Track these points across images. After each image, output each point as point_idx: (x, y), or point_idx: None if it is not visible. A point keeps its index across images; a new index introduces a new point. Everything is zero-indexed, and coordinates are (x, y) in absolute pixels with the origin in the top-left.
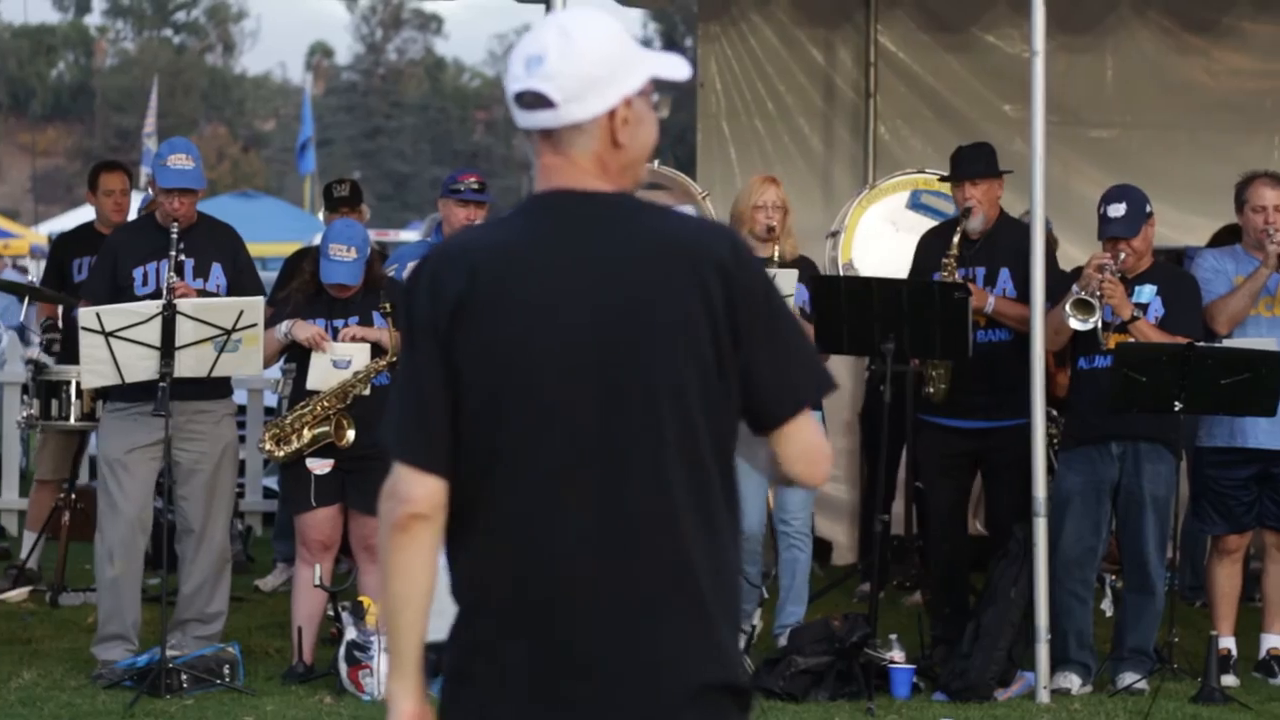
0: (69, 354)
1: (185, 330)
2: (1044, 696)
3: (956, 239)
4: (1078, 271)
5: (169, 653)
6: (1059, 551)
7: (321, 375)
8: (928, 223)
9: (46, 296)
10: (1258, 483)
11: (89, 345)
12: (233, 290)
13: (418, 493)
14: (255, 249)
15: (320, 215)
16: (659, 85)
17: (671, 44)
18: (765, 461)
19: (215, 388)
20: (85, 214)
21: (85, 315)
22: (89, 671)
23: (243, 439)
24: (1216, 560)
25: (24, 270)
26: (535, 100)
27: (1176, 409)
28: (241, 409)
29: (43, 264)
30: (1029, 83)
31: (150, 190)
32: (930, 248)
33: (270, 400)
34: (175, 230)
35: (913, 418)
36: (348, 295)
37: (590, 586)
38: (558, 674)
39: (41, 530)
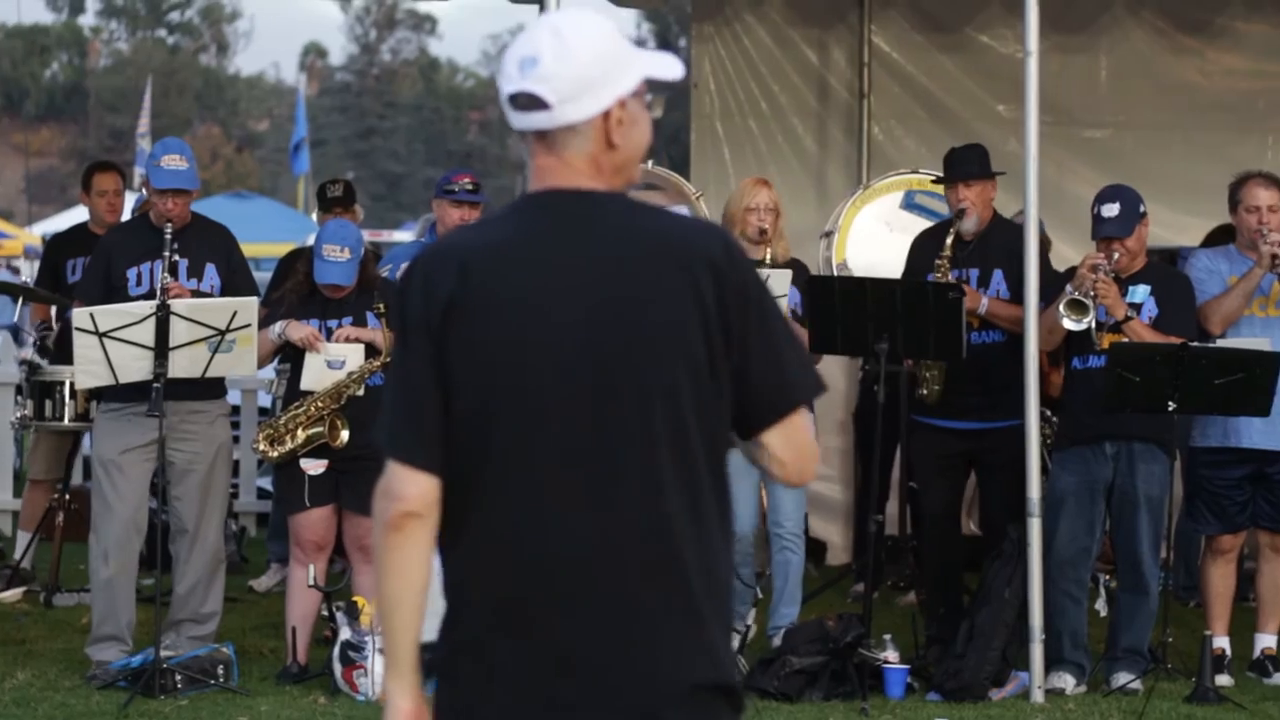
0: (63, 354)
1: (179, 330)
2: (1038, 696)
3: (950, 240)
4: (1071, 271)
5: (163, 653)
6: (1053, 551)
7: (316, 376)
8: (922, 223)
9: (40, 297)
10: (1251, 483)
11: (83, 345)
12: (227, 291)
13: (411, 491)
14: (249, 249)
15: (314, 216)
16: (652, 85)
17: (665, 44)
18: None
19: (209, 388)
20: (79, 214)
21: (79, 316)
22: (83, 672)
23: (237, 439)
24: (1210, 560)
25: (16, 270)
26: (530, 102)
27: (1170, 409)
28: (236, 409)
29: (36, 264)
30: (1023, 83)
31: (144, 190)
32: (924, 249)
33: (264, 401)
34: (169, 231)
35: (907, 418)
36: (342, 296)
37: (580, 586)
38: (546, 674)
39: (35, 531)
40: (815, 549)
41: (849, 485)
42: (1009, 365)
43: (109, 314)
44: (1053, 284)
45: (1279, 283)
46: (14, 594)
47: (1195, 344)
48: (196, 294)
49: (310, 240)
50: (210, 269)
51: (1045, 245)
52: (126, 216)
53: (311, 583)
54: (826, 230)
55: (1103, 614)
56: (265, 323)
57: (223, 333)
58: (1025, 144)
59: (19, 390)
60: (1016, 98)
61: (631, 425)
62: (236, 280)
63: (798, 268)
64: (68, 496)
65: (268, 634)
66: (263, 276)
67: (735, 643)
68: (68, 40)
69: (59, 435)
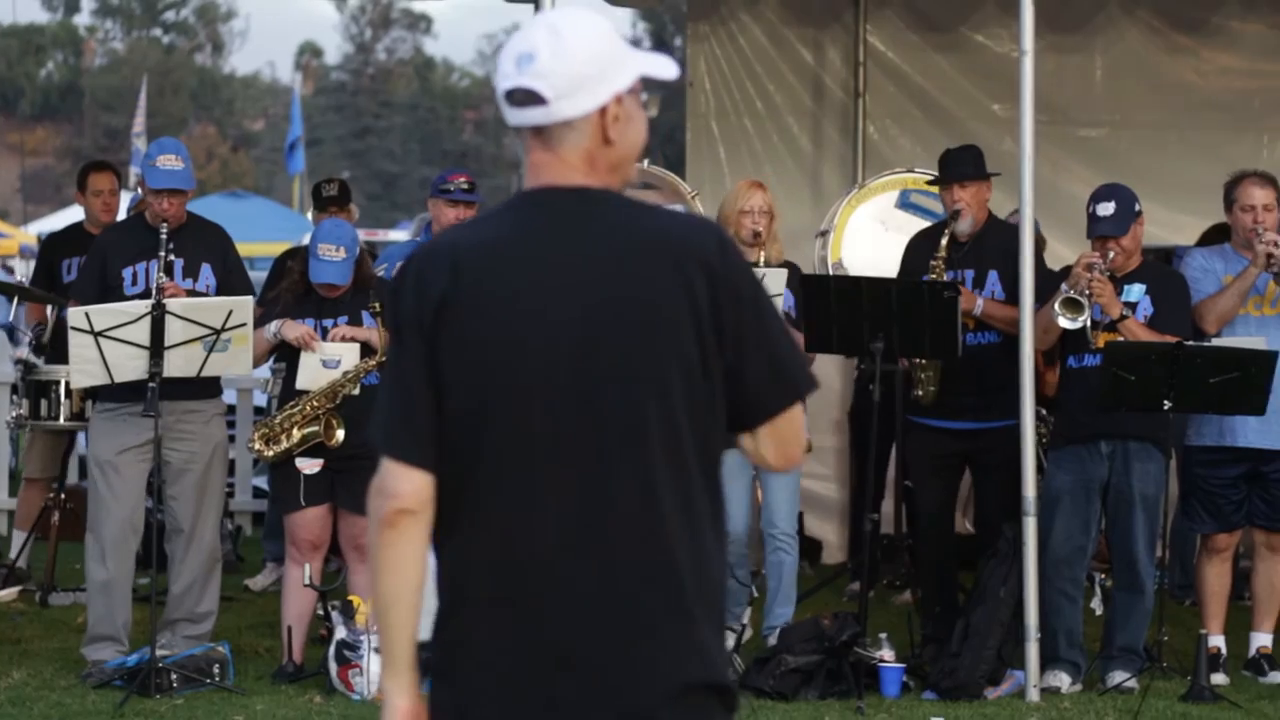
0: (58, 354)
1: (174, 330)
2: (1034, 695)
3: (944, 241)
4: (1066, 270)
5: (159, 652)
6: (1048, 550)
7: (311, 375)
8: (917, 222)
9: (35, 296)
10: (1247, 481)
11: (78, 345)
12: (222, 290)
13: (405, 488)
14: (244, 249)
15: (309, 215)
16: (647, 85)
17: (661, 44)
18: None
19: (205, 387)
20: (74, 214)
21: (74, 315)
22: (79, 671)
23: (232, 439)
24: (1206, 559)
25: (10, 270)
26: (526, 97)
27: (1166, 408)
28: (231, 409)
29: (32, 264)
30: (1018, 82)
31: (139, 190)
32: (918, 250)
33: (260, 400)
34: (164, 231)
35: (902, 418)
36: (337, 295)
37: (571, 586)
38: (538, 673)
39: (31, 530)
40: (811, 548)
41: (844, 484)
42: (1004, 366)
43: (104, 313)
44: (1047, 283)
45: (1274, 282)
46: (9, 593)
47: (1190, 343)
48: (192, 294)
49: (305, 239)
50: (206, 269)
51: (1040, 244)
52: (122, 216)
53: (307, 582)
54: (822, 229)
55: (1098, 613)
56: (260, 322)
57: (218, 332)
58: (1020, 143)
59: (14, 389)
60: (1012, 97)
61: (624, 424)
62: (232, 280)
63: (791, 270)
64: (63, 496)
65: (263, 633)
66: (258, 276)
67: (730, 642)
68: (63, 39)
69: (54, 434)
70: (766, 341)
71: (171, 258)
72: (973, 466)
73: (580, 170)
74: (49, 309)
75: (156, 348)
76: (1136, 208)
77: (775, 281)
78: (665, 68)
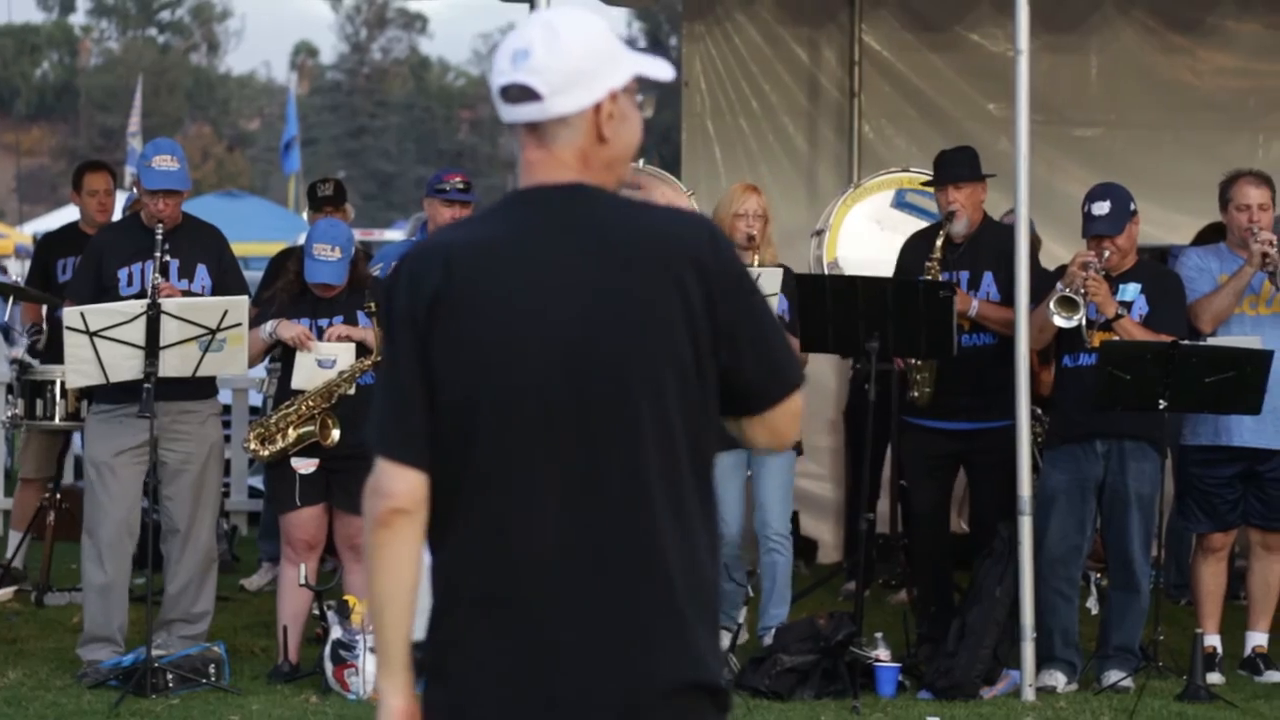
0: (53, 354)
1: (170, 330)
2: (1029, 694)
3: (940, 243)
4: (1062, 270)
5: (154, 652)
6: (1044, 550)
7: (306, 375)
8: (913, 221)
9: (31, 296)
10: (1242, 481)
11: (73, 345)
12: (217, 291)
13: (399, 488)
14: (239, 248)
15: (304, 215)
16: (642, 85)
17: (656, 43)
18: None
19: (200, 388)
20: (70, 214)
21: (70, 315)
22: (74, 671)
23: (228, 438)
24: (1201, 558)
25: (3, 270)
26: (521, 94)
27: (1161, 407)
28: (226, 408)
29: (27, 264)
30: (1013, 82)
31: (135, 190)
32: (914, 251)
33: (255, 400)
34: (160, 231)
35: (897, 418)
36: (332, 295)
37: (563, 585)
38: (530, 672)
39: (26, 530)
40: (806, 548)
41: (840, 484)
42: (999, 367)
43: (99, 313)
44: (1043, 283)
45: (1269, 281)
46: (5, 593)
47: (1186, 342)
48: (187, 294)
49: (301, 239)
50: (201, 270)
51: (1035, 244)
52: (117, 216)
53: (303, 582)
54: (817, 229)
55: (1094, 612)
56: (256, 322)
57: (213, 332)
58: (1016, 143)
59: (9, 389)
60: (1007, 97)
61: (616, 424)
62: (227, 280)
63: (784, 274)
64: (59, 496)
65: (259, 633)
66: (253, 275)
67: (726, 642)
68: (58, 39)
69: (50, 434)
70: (760, 337)
71: (167, 258)
72: (968, 467)
73: (574, 168)
74: (44, 309)
75: (152, 347)
76: (1132, 207)
77: (770, 281)
78: (661, 69)
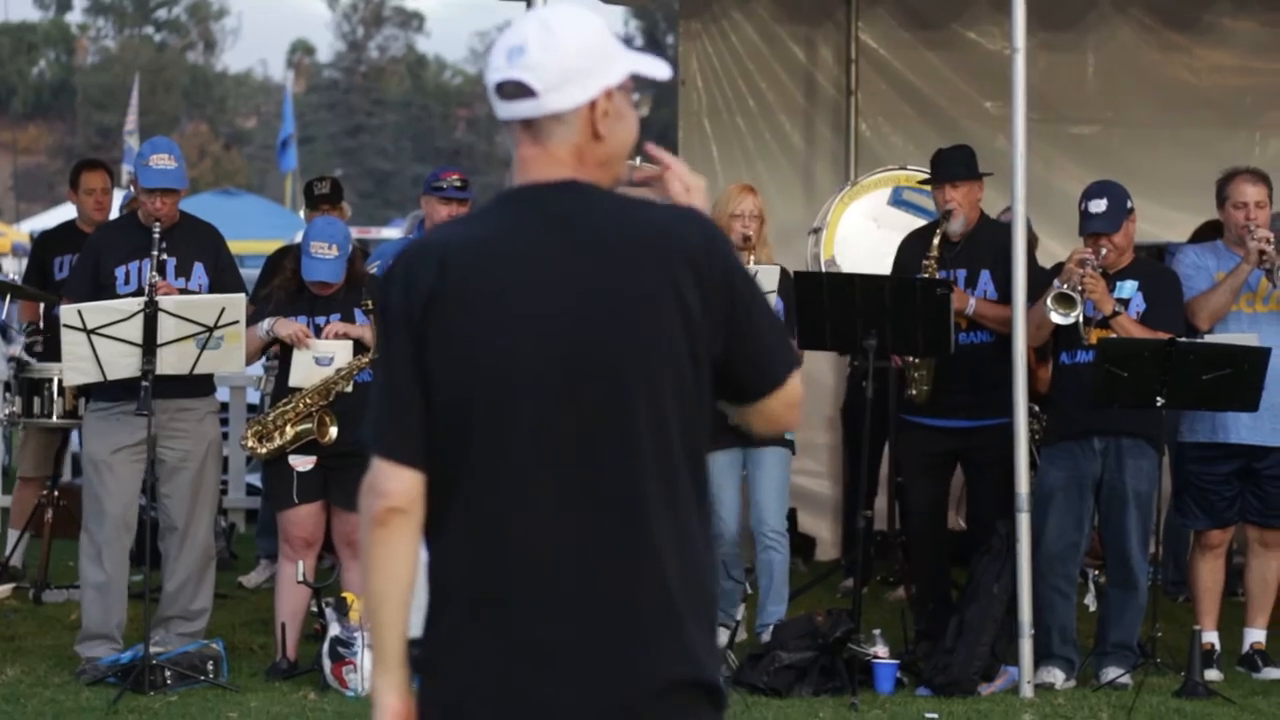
0: (51, 352)
1: (167, 327)
2: (1027, 691)
3: (937, 241)
4: (1059, 267)
5: (153, 649)
6: (1042, 546)
7: (304, 372)
8: (910, 219)
9: (28, 294)
10: (1240, 478)
11: (71, 342)
12: (215, 289)
13: (394, 486)
14: (236, 246)
15: (301, 213)
16: (639, 84)
17: (653, 41)
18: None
19: (198, 385)
20: (67, 212)
21: (67, 312)
22: (73, 668)
23: (225, 436)
24: (1199, 555)
25: (0, 268)
26: (516, 90)
27: (1158, 404)
28: (224, 406)
29: (24, 262)
30: (1010, 79)
31: (132, 188)
32: (911, 250)
33: (253, 397)
34: (157, 230)
35: (895, 416)
36: (329, 293)
37: (558, 582)
38: (526, 670)
39: (24, 527)
40: (804, 545)
41: (837, 481)
42: (997, 366)
43: (97, 311)
44: (1040, 281)
45: (1266, 278)
46: (3, 590)
47: (1183, 339)
48: (184, 293)
49: (298, 237)
50: (198, 268)
51: (1032, 242)
52: (114, 214)
53: (301, 579)
54: (815, 227)
55: (1092, 609)
56: (253, 320)
57: (211, 329)
58: (1013, 141)
59: (7, 387)
60: (1004, 94)
61: (611, 422)
62: (224, 279)
63: (780, 273)
64: (57, 493)
65: (257, 630)
66: (250, 273)
67: (724, 639)
68: (55, 37)
69: (47, 432)
70: (754, 331)
71: (164, 257)
72: (965, 464)
73: (569, 165)
74: (41, 307)
75: (149, 345)
76: (1129, 204)
77: (767, 278)
78: (657, 68)
